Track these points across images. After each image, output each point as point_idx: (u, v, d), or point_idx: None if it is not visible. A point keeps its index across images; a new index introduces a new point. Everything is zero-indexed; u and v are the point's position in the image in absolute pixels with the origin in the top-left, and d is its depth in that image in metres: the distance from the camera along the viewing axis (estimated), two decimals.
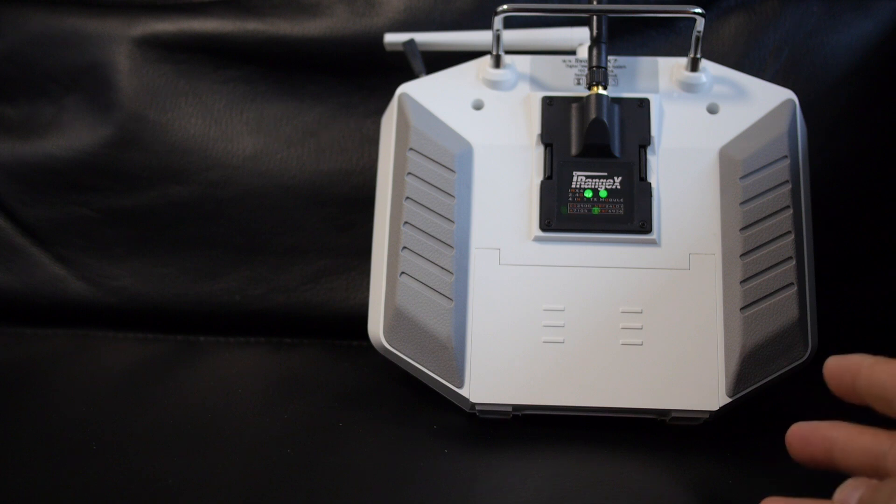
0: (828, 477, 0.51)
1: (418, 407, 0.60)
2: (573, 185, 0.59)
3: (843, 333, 0.68)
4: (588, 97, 0.59)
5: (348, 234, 0.70)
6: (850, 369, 0.45)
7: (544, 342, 0.57)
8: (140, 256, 0.71)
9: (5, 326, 0.71)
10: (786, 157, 0.59)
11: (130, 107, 0.70)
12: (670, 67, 0.62)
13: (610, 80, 0.61)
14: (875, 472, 0.43)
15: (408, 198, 0.59)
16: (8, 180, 0.71)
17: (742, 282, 0.57)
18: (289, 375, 0.66)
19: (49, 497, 0.52)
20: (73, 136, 0.71)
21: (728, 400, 0.56)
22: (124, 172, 0.70)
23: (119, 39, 0.70)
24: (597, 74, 0.60)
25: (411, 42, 0.67)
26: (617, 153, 0.59)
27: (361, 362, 0.66)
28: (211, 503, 0.51)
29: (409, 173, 0.59)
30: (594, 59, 0.60)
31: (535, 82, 0.62)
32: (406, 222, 0.58)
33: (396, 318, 0.57)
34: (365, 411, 0.60)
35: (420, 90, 0.62)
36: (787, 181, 0.58)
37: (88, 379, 0.65)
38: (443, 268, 0.58)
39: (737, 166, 0.59)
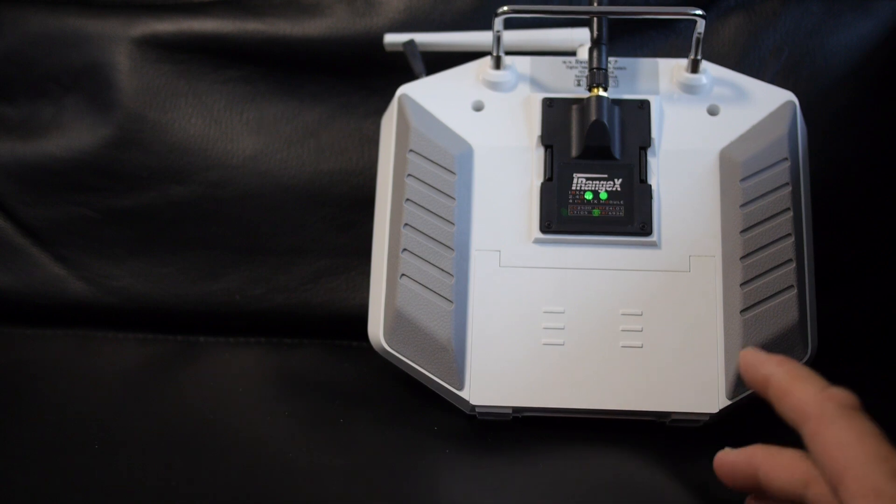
0: None
1: (419, 408, 0.60)
2: (573, 187, 0.59)
3: (843, 333, 0.68)
4: (588, 99, 0.59)
5: (348, 234, 0.70)
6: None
7: (544, 344, 0.57)
8: (140, 256, 0.70)
9: (5, 326, 0.71)
10: (786, 159, 0.59)
11: (130, 107, 0.70)
12: (671, 69, 0.62)
13: (610, 82, 0.61)
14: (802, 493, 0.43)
15: (408, 199, 0.59)
16: (8, 180, 0.71)
17: (742, 284, 0.57)
18: (289, 375, 0.66)
19: (49, 497, 0.52)
20: (73, 136, 0.70)
21: (728, 402, 0.56)
22: (124, 172, 0.70)
23: (119, 39, 0.70)
24: (597, 76, 0.60)
25: (411, 43, 0.67)
26: (617, 155, 0.59)
27: (361, 362, 0.66)
28: (210, 503, 0.51)
29: (410, 175, 0.59)
30: (594, 60, 0.60)
31: (535, 83, 0.62)
32: (406, 224, 0.58)
33: (396, 320, 0.57)
34: (365, 411, 0.60)
35: (420, 91, 0.62)
36: (787, 183, 0.58)
37: (88, 379, 0.65)
38: (443, 270, 0.57)
39: (737, 168, 0.59)
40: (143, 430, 0.58)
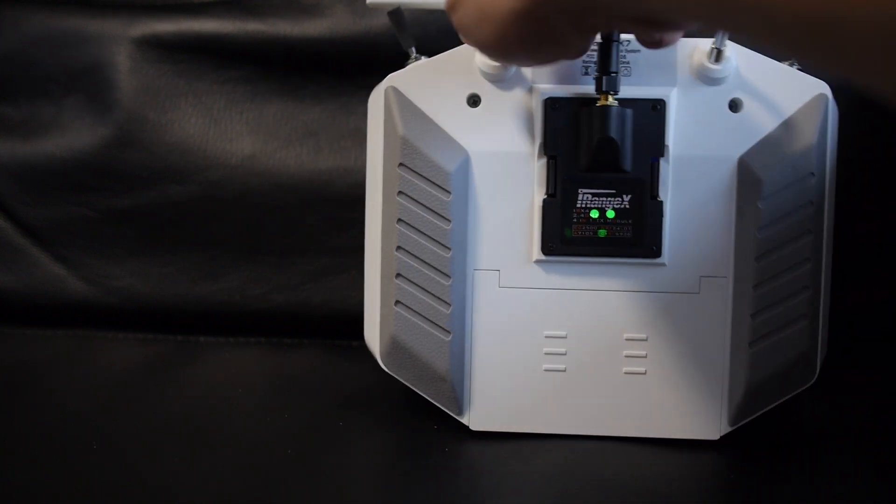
0: (827, 486, 0.51)
1: (418, 407, 0.60)
2: (578, 205, 0.55)
3: (843, 333, 0.68)
4: (597, 109, 0.53)
5: (348, 233, 0.70)
6: None
7: (545, 370, 0.56)
8: (140, 256, 0.70)
9: (5, 326, 0.71)
10: (812, 174, 0.54)
11: (130, 107, 0.70)
12: (690, 53, 0.55)
13: (622, 70, 0.55)
14: None
15: (400, 220, 0.55)
16: (8, 180, 0.71)
17: (753, 315, 0.54)
18: (289, 375, 0.66)
19: (50, 496, 0.52)
20: (73, 136, 0.70)
21: (730, 428, 0.55)
22: (124, 172, 0.70)
23: (119, 39, 0.69)
24: (607, 82, 0.53)
25: (398, 11, 0.58)
26: (627, 167, 0.54)
27: (361, 362, 0.66)
28: (211, 503, 0.52)
29: (401, 192, 0.55)
30: (605, 62, 0.53)
31: (536, 73, 0.56)
32: (399, 247, 0.55)
33: (393, 347, 0.56)
34: (365, 411, 0.60)
35: (409, 83, 0.56)
36: (810, 202, 0.54)
37: (88, 379, 0.65)
38: (440, 298, 0.55)
39: (757, 187, 0.54)
40: (143, 429, 0.58)
